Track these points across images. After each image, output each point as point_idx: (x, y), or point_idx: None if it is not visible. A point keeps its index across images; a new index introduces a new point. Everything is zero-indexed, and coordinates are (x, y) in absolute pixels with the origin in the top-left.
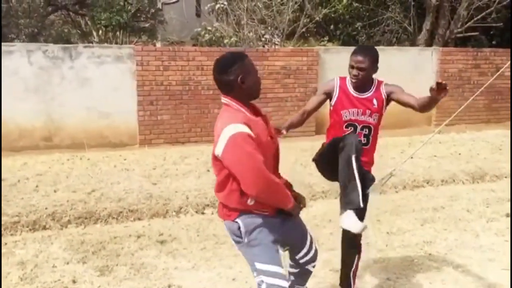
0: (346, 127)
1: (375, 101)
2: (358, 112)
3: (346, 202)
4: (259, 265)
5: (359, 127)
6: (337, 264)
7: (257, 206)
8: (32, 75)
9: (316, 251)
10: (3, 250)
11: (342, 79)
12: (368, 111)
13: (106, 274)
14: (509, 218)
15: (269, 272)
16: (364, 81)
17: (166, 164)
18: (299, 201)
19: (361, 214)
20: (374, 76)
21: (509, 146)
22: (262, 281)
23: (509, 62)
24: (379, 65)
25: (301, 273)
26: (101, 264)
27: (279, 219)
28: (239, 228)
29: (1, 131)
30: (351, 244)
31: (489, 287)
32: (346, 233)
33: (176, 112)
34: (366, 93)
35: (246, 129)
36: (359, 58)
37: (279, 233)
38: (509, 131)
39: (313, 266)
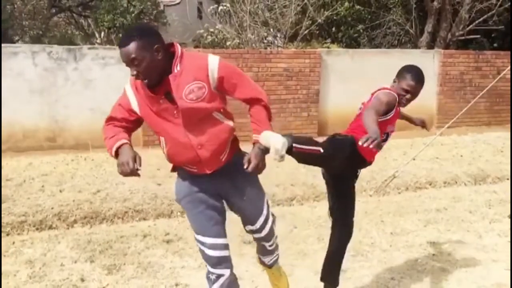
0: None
1: None
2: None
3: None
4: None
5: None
6: (342, 264)
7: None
8: (36, 76)
9: (270, 231)
10: (11, 249)
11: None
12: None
13: (114, 273)
14: None
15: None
16: None
17: (170, 165)
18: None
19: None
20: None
21: (510, 148)
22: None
23: (510, 66)
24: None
25: (257, 244)
26: (108, 263)
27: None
28: None
29: (1, 131)
30: (345, 226)
31: (492, 287)
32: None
33: None
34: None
35: (126, 87)
36: (418, 85)
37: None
38: (510, 133)
39: (270, 246)
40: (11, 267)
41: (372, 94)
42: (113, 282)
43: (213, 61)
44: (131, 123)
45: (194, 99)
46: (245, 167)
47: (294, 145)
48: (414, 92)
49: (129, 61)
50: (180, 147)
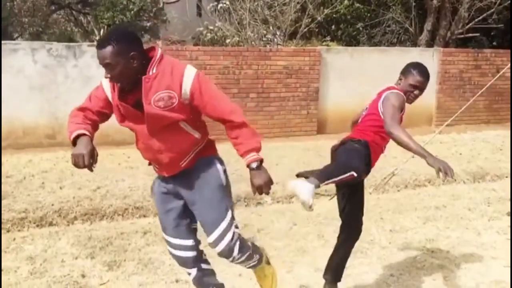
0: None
1: None
2: None
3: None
4: None
5: None
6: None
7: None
8: (36, 73)
9: (229, 249)
10: (11, 246)
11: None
12: None
13: (115, 269)
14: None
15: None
16: None
17: None
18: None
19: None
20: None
21: (509, 146)
22: None
23: (509, 64)
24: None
25: None
26: (109, 259)
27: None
28: None
29: (1, 128)
30: (354, 228)
31: (490, 284)
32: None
33: None
34: None
35: (103, 80)
36: (425, 80)
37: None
38: (509, 132)
39: (233, 261)
40: (12, 263)
41: (379, 94)
42: (114, 278)
43: (189, 74)
44: (101, 116)
45: (162, 106)
46: (255, 195)
47: (324, 183)
48: (422, 87)
49: (103, 65)
50: (145, 146)
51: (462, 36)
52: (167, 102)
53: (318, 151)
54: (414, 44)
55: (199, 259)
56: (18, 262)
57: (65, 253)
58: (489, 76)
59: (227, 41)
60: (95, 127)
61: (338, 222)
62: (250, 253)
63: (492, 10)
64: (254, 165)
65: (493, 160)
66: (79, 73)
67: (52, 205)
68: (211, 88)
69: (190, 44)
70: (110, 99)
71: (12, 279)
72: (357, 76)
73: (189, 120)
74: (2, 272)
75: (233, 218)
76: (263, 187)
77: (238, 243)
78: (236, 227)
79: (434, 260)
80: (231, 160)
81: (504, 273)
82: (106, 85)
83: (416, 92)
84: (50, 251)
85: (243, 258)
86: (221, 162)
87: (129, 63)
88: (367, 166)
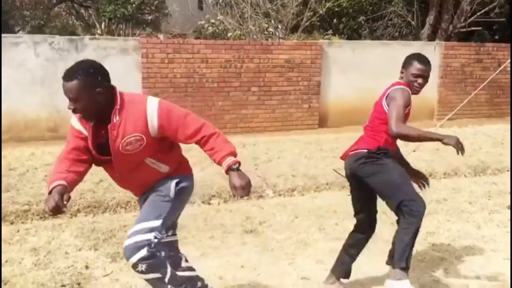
0: None
1: None
2: None
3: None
4: None
5: None
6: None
7: None
8: (38, 66)
9: (137, 259)
10: (15, 237)
11: (405, 85)
12: None
13: (118, 261)
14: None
15: None
16: None
17: None
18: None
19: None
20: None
21: (509, 140)
22: None
23: (510, 58)
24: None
25: None
26: (112, 251)
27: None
28: None
29: (1, 122)
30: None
31: (490, 276)
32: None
33: (180, 105)
34: None
35: (72, 120)
36: (427, 67)
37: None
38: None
39: (132, 266)
40: (16, 255)
41: (384, 93)
42: (117, 270)
43: (152, 108)
44: (87, 153)
45: (130, 150)
46: (236, 198)
47: (408, 260)
48: (424, 75)
49: (68, 97)
50: (116, 180)
51: (464, 30)
52: (135, 145)
53: (320, 145)
54: (416, 37)
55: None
56: (22, 253)
57: (68, 245)
58: (490, 70)
59: (229, 34)
60: (80, 174)
61: (339, 215)
62: (160, 276)
63: (494, 4)
64: (234, 166)
65: (494, 154)
66: None
67: None
68: (176, 114)
69: (191, 38)
70: (85, 134)
71: (16, 270)
72: (358, 70)
73: (158, 156)
74: (6, 263)
75: (159, 229)
76: (244, 188)
77: (146, 252)
78: (157, 238)
79: (434, 253)
80: None
81: (504, 266)
82: (76, 123)
83: (419, 80)
84: (54, 243)
85: (143, 268)
86: (182, 181)
87: (94, 98)
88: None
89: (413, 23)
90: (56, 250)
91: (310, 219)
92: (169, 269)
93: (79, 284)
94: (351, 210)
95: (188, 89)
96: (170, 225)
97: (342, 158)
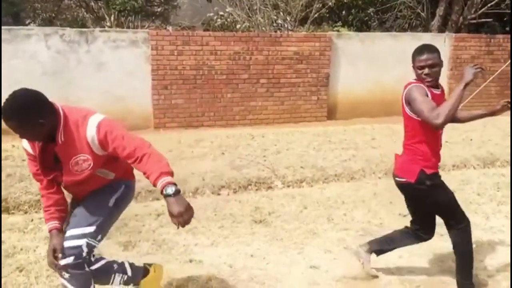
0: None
1: (444, 94)
2: None
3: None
4: None
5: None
6: (351, 243)
7: None
8: (49, 58)
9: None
10: (29, 226)
11: (416, 82)
12: None
13: (130, 249)
14: None
15: None
16: (437, 79)
17: (181, 147)
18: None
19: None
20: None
21: None
22: None
23: None
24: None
25: None
26: (124, 240)
27: None
28: None
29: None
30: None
31: (498, 266)
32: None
33: (189, 97)
34: (439, 89)
35: (23, 143)
36: (427, 55)
37: None
38: None
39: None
40: (30, 243)
41: (401, 99)
42: (130, 258)
43: (91, 130)
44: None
45: (79, 171)
46: (177, 227)
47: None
48: (428, 64)
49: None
50: (63, 186)
51: (475, 21)
52: (83, 165)
53: (328, 137)
54: (426, 29)
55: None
56: (37, 241)
57: None
58: (501, 62)
59: (238, 26)
60: (60, 195)
61: (347, 206)
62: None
63: None
64: (169, 190)
65: (503, 146)
66: (91, 59)
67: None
68: (114, 135)
69: (200, 30)
70: (33, 153)
71: (31, 258)
72: (368, 62)
73: (106, 166)
74: (22, 251)
75: (92, 235)
76: (183, 215)
77: (73, 261)
78: (89, 245)
79: (442, 243)
80: (240, 145)
81: None
82: (26, 145)
83: (426, 71)
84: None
85: (66, 276)
86: (123, 189)
87: (38, 129)
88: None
89: (423, 14)
90: None
91: (319, 209)
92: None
93: None
94: (359, 201)
95: (197, 81)
96: (104, 233)
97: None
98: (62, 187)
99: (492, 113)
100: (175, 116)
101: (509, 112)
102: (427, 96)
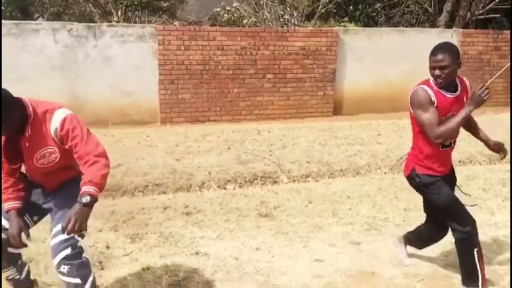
0: None
1: (464, 98)
2: (453, 114)
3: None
4: None
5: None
6: (356, 237)
7: None
8: (57, 53)
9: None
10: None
11: (426, 83)
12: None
13: (137, 241)
14: None
15: None
16: (451, 80)
17: (188, 141)
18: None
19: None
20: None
21: None
22: None
23: None
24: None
25: None
26: (131, 232)
27: None
28: None
29: None
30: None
31: (502, 261)
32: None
33: (196, 92)
34: (457, 92)
35: None
36: (437, 56)
37: None
38: None
39: (57, 265)
40: (40, 234)
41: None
42: (137, 250)
43: (56, 121)
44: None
45: (46, 163)
46: (65, 232)
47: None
48: (439, 65)
49: None
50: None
51: (482, 17)
52: (50, 158)
53: (334, 132)
54: (433, 25)
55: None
56: (46, 233)
57: (89, 226)
58: (508, 57)
59: (244, 21)
60: (20, 185)
61: (352, 200)
62: (80, 283)
63: None
64: (83, 199)
65: (510, 143)
66: (99, 53)
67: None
68: (75, 134)
69: (207, 25)
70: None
71: (41, 249)
72: (374, 58)
73: (72, 157)
74: (31, 242)
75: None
76: (71, 221)
77: (71, 251)
78: (80, 236)
79: (447, 238)
80: (246, 140)
81: None
82: None
83: (436, 72)
84: None
85: (65, 270)
86: None
87: (12, 123)
88: (440, 181)
89: (430, 10)
90: None
91: (324, 204)
92: (91, 276)
93: (100, 262)
94: (364, 195)
95: (203, 76)
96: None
97: None
98: (28, 178)
99: (489, 147)
100: (182, 111)
101: None
102: (432, 102)
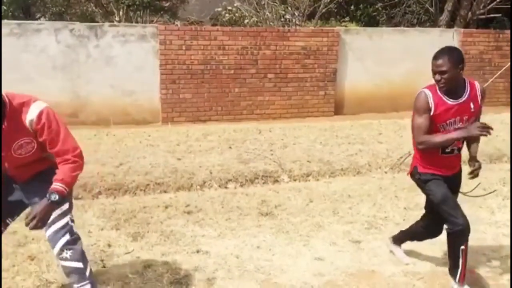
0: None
1: (472, 105)
2: (455, 120)
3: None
4: None
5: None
6: (356, 236)
7: None
8: (59, 52)
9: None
10: None
11: (431, 88)
12: (465, 117)
13: (139, 240)
14: None
15: None
16: (453, 85)
17: (189, 140)
18: None
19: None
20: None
21: None
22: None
23: None
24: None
25: None
26: (133, 231)
27: None
28: None
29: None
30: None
31: (502, 259)
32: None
33: (197, 91)
34: (463, 98)
35: None
36: (437, 61)
37: None
38: None
39: (58, 253)
40: (42, 233)
41: None
42: (138, 248)
43: (32, 113)
44: None
45: (23, 154)
46: (28, 226)
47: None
48: (436, 69)
49: None
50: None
51: (483, 16)
52: (27, 148)
53: (335, 132)
54: (435, 24)
55: None
56: None
57: (91, 225)
58: (510, 57)
59: (246, 21)
60: None
61: (353, 199)
62: (82, 267)
63: None
64: (52, 196)
65: (510, 142)
66: (101, 53)
67: (78, 180)
68: (51, 129)
69: (208, 25)
70: None
71: (43, 247)
72: (375, 57)
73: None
74: (33, 240)
75: (70, 211)
76: (34, 218)
77: (69, 236)
78: (72, 221)
79: (445, 235)
80: (248, 139)
81: None
82: None
83: (436, 77)
84: (77, 222)
85: (68, 255)
86: None
87: None
88: (440, 180)
89: (431, 9)
90: (79, 229)
91: (325, 203)
92: (89, 264)
93: (102, 260)
94: (364, 194)
95: (205, 76)
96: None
97: None
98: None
99: (469, 160)
100: (183, 111)
101: None
102: (429, 109)
